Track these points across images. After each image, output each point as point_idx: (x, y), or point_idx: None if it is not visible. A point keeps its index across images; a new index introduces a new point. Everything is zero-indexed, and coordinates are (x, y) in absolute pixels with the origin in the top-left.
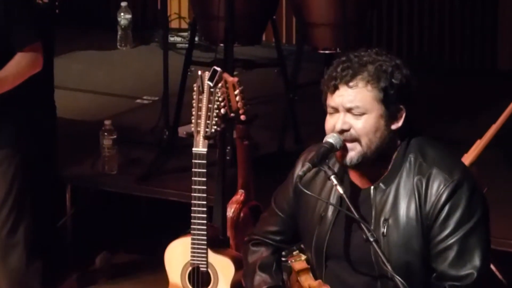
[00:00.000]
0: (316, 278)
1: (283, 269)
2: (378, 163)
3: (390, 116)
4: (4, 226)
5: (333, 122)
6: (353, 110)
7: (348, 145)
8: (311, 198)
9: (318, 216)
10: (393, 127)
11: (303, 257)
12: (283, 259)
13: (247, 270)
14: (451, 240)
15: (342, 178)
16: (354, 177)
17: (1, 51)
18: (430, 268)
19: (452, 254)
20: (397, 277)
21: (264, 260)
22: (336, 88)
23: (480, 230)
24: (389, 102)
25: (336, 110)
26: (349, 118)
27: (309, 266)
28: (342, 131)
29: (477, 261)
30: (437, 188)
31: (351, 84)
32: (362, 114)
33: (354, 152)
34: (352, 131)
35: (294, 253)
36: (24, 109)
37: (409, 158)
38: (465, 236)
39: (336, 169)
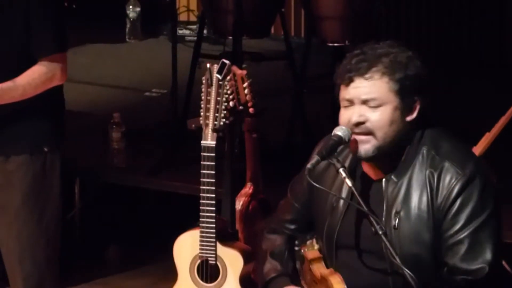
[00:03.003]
0: (327, 267)
1: (296, 257)
2: (393, 155)
3: (405, 108)
4: (21, 233)
5: (348, 115)
6: (369, 102)
7: (363, 138)
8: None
9: (330, 206)
10: (408, 119)
11: (316, 246)
12: (296, 248)
13: (259, 256)
14: (462, 234)
15: (355, 169)
16: (366, 168)
17: (21, 59)
18: (440, 261)
19: (463, 248)
20: (405, 269)
21: (277, 248)
22: (351, 80)
23: (491, 224)
24: (405, 93)
25: (351, 103)
26: (365, 110)
27: (321, 255)
28: (358, 124)
29: (488, 255)
30: (449, 181)
31: (366, 76)
32: (378, 106)
33: (369, 145)
34: (367, 124)
35: (308, 242)
36: (46, 117)
37: (422, 150)
38: (476, 230)
39: (349, 160)
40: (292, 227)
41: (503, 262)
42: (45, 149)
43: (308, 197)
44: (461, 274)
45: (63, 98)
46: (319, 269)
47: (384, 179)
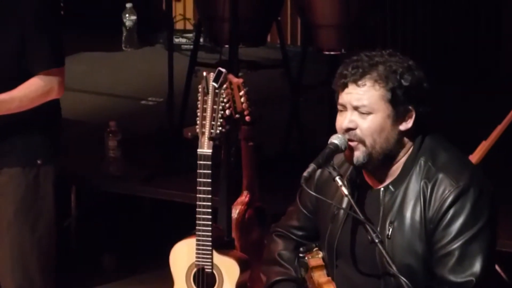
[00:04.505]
0: (329, 276)
1: (301, 264)
2: (386, 163)
3: (397, 116)
4: (13, 244)
5: (341, 120)
6: (360, 109)
7: (352, 144)
8: (327, 196)
9: (332, 214)
10: (402, 128)
11: (321, 254)
12: (301, 255)
13: (266, 259)
14: (452, 246)
15: (356, 178)
16: (367, 176)
17: (17, 72)
18: (432, 272)
19: (452, 260)
20: (402, 277)
21: (284, 253)
22: (345, 86)
23: (484, 237)
24: (397, 102)
25: (344, 108)
26: (356, 116)
27: (323, 264)
28: (348, 129)
29: (477, 268)
30: (442, 193)
31: (359, 82)
32: (369, 113)
33: (359, 152)
34: (357, 130)
35: (314, 250)
36: (40, 130)
37: (420, 161)
38: (467, 242)
39: (350, 169)
40: (300, 233)
41: (499, 270)
42: (38, 162)
43: (315, 204)
44: (448, 286)
45: (59, 111)
46: (320, 277)
47: (382, 188)
